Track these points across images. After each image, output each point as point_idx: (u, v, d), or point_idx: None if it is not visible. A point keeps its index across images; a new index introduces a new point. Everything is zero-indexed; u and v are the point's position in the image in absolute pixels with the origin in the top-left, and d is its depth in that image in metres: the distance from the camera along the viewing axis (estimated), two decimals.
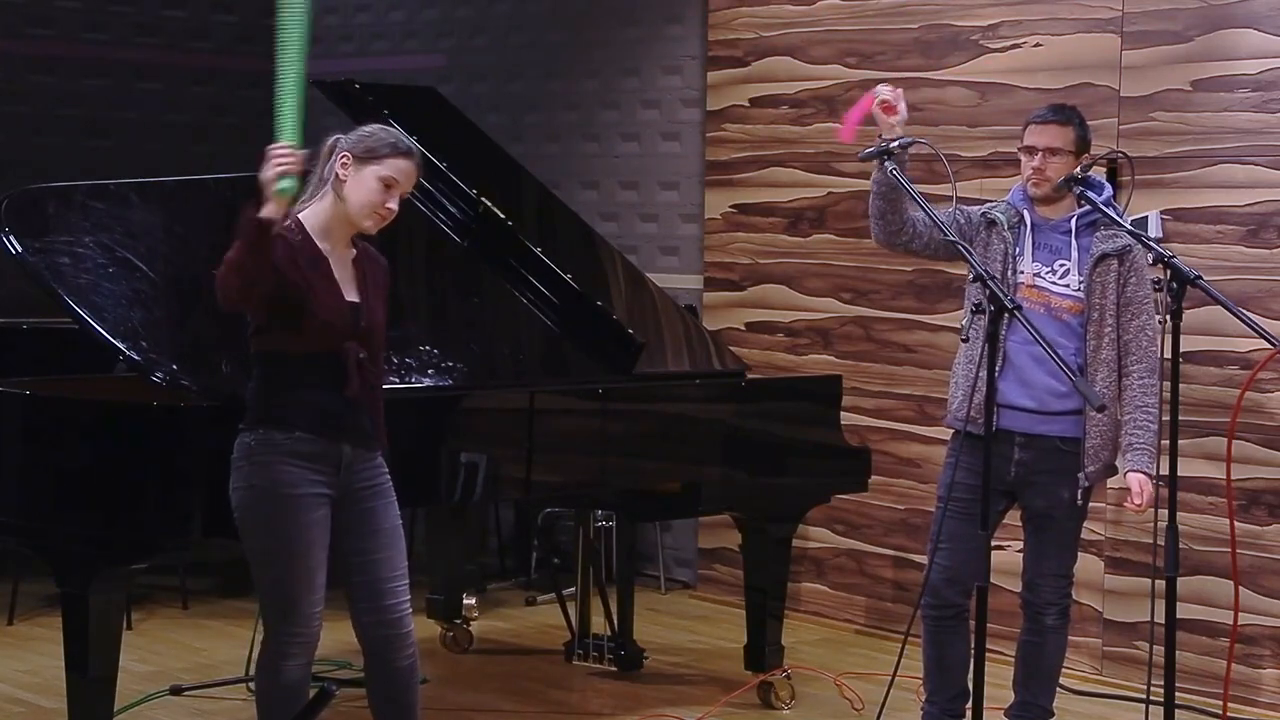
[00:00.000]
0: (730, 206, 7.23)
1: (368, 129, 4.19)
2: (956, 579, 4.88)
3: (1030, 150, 4.86)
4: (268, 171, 3.87)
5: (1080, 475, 4.83)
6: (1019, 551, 5.11)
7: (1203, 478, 5.84)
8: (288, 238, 4.06)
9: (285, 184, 3.89)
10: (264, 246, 3.89)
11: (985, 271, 4.36)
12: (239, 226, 3.90)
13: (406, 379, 5.00)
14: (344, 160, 4.11)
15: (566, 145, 7.95)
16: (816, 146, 6.92)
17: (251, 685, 5.56)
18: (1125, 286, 4.83)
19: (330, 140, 4.16)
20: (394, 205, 4.13)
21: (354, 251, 4.22)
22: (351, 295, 4.15)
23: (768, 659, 5.81)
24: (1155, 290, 4.81)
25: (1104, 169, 5.60)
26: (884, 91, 4.69)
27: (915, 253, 5.00)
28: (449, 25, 8.46)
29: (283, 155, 3.88)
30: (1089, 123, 4.94)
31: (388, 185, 4.11)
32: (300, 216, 4.13)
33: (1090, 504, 4.96)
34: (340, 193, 4.12)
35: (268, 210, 3.87)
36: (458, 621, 6.43)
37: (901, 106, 4.69)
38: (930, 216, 4.55)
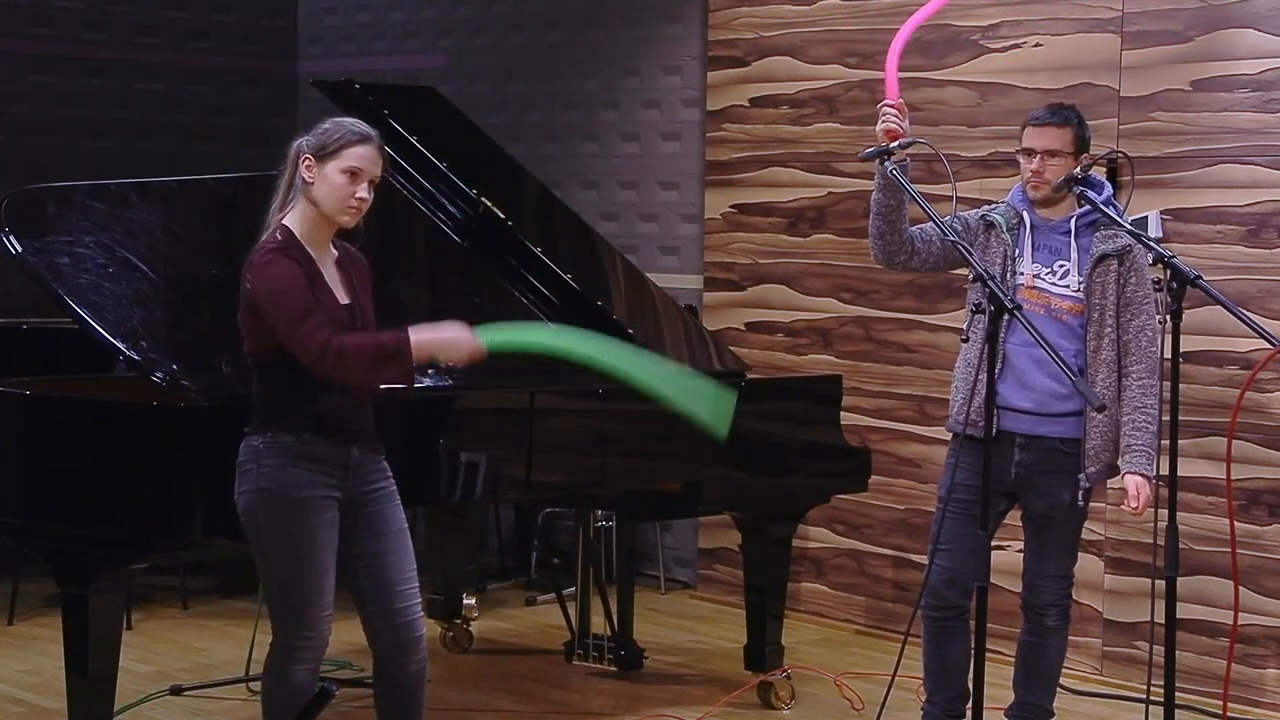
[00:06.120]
0: (730, 206, 7.22)
1: (323, 125, 4.14)
2: (957, 580, 4.87)
3: (1029, 153, 4.84)
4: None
5: (1081, 476, 4.83)
6: (1019, 552, 5.11)
7: (1203, 478, 5.84)
8: (297, 260, 4.04)
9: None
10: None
11: (985, 271, 4.36)
12: (403, 358, 4.02)
13: None
14: (306, 163, 4.08)
15: (566, 145, 7.95)
16: (816, 146, 6.91)
17: (251, 685, 5.58)
18: (1125, 287, 4.81)
19: (293, 146, 4.13)
20: (364, 194, 4.09)
21: (336, 254, 4.20)
22: (344, 298, 4.14)
23: (768, 659, 5.80)
24: (1155, 290, 4.81)
25: (1104, 169, 5.59)
26: (892, 118, 4.68)
27: (914, 269, 5.00)
28: (449, 25, 8.46)
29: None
30: (1089, 122, 4.93)
31: (353, 175, 4.07)
32: (285, 223, 4.11)
33: (1090, 504, 4.96)
34: (311, 196, 4.09)
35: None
36: (458, 621, 6.43)
37: (905, 125, 4.70)
38: (929, 215, 4.54)
